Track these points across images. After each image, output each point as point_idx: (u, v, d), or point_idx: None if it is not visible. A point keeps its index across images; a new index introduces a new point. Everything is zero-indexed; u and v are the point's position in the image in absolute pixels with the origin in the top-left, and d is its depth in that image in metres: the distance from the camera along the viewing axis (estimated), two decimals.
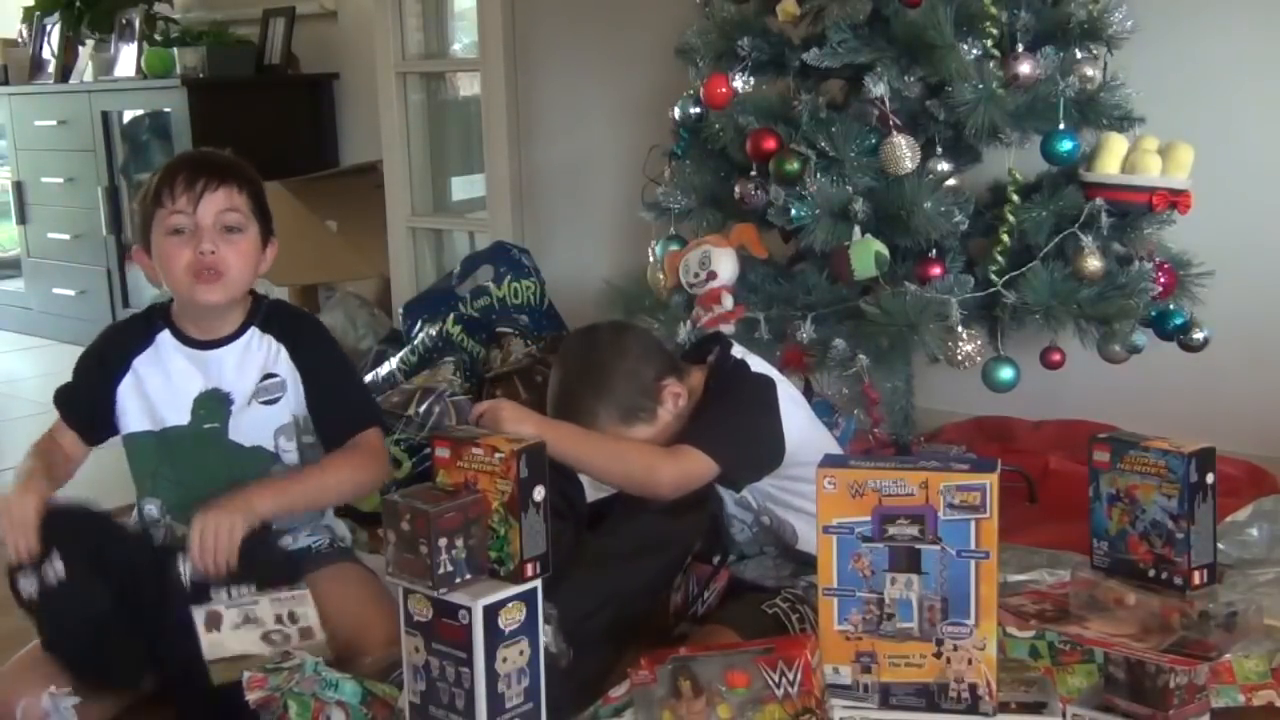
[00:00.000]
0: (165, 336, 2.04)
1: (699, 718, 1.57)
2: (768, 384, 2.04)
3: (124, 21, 4.97)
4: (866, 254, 2.44)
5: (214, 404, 2.02)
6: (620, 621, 1.89)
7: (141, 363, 2.03)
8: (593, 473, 1.96)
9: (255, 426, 2.02)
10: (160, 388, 2.02)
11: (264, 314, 2.07)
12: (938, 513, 1.53)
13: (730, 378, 2.04)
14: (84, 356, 2.09)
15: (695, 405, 2.02)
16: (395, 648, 1.67)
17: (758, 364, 2.08)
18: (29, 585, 1.81)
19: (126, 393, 2.03)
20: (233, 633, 1.80)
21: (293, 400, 2.03)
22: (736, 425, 1.97)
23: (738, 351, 2.09)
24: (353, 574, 2.07)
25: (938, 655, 1.56)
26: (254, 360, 2.02)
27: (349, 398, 2.10)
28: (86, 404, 2.05)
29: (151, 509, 2.04)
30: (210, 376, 2.02)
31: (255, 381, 2.02)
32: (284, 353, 2.04)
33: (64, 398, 2.08)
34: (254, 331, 2.04)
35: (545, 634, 1.67)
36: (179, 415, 2.02)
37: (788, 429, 1.99)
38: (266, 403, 2.03)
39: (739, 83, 2.70)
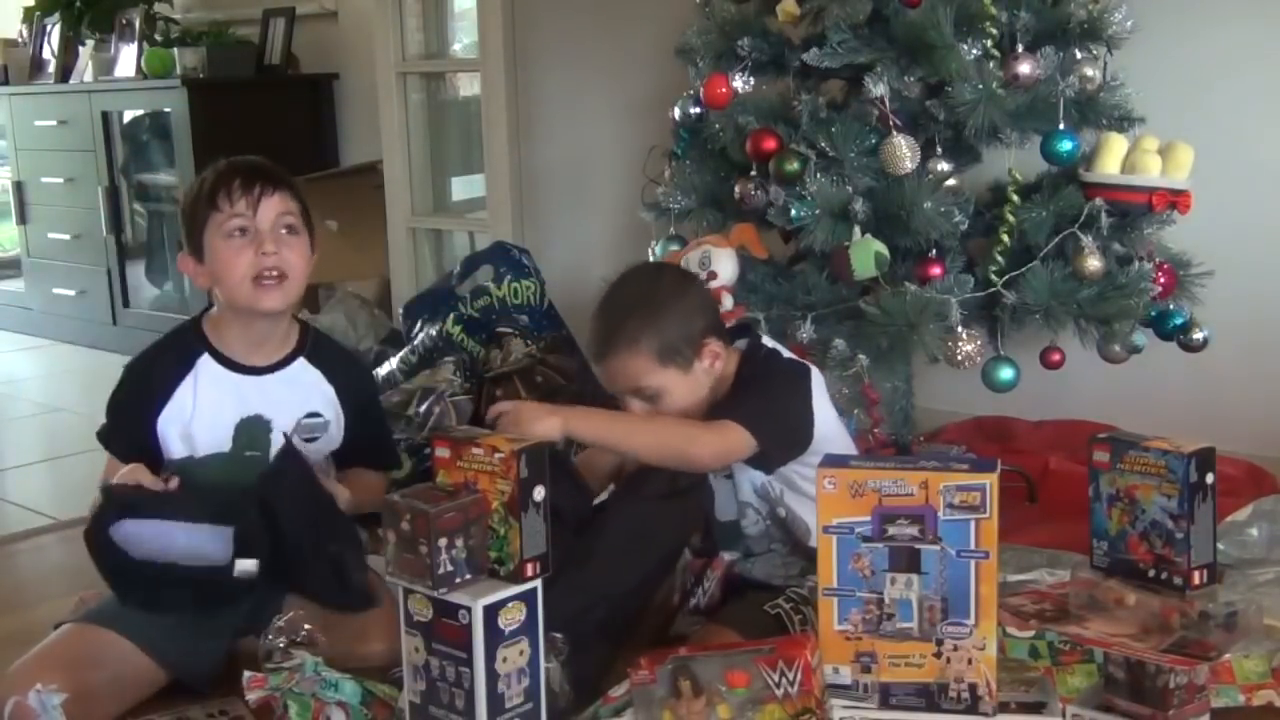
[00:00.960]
0: (206, 361, 1.99)
1: (699, 718, 1.57)
2: (803, 370, 2.06)
3: (124, 21, 4.97)
4: (866, 254, 2.44)
5: (256, 431, 1.99)
6: (614, 618, 1.89)
7: (182, 391, 1.97)
8: (630, 450, 1.94)
9: None
10: (202, 415, 1.98)
11: (311, 344, 2.05)
12: (938, 513, 1.53)
13: (765, 363, 2.06)
14: (122, 392, 2.01)
15: (728, 386, 2.03)
16: (397, 645, 1.67)
17: (786, 354, 2.11)
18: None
19: (167, 422, 1.97)
20: None
21: (332, 441, 2.04)
22: (774, 405, 1.98)
23: (768, 342, 2.11)
24: None
25: (938, 655, 1.56)
26: (300, 393, 1.98)
27: (380, 447, 2.15)
28: (136, 443, 1.97)
29: None
30: (252, 403, 1.99)
31: (298, 416, 2.00)
32: (331, 392, 2.02)
33: (110, 439, 2.02)
34: (302, 363, 2.02)
35: (551, 673, 1.67)
36: (220, 443, 1.99)
37: (817, 417, 2.01)
38: (307, 440, 2.01)
39: (739, 83, 2.70)
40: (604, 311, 2.03)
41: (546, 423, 1.81)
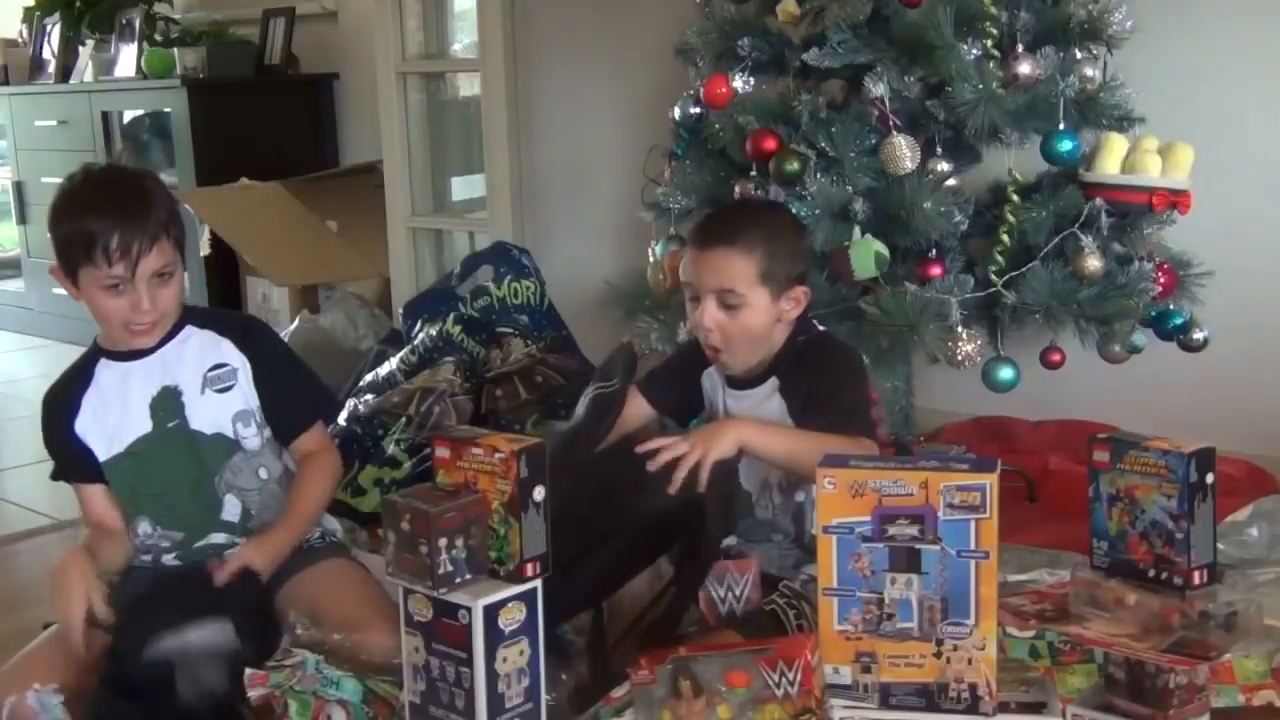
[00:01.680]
0: (102, 364, 2.05)
1: (699, 718, 1.57)
2: (863, 362, 2.12)
3: (124, 21, 4.98)
4: (866, 254, 2.44)
5: (168, 401, 2.03)
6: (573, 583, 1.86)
7: (89, 398, 2.03)
8: (792, 458, 1.92)
9: (213, 415, 2.04)
10: (114, 408, 2.02)
11: (197, 314, 2.10)
12: (938, 513, 1.53)
13: (833, 346, 2.09)
14: (43, 426, 2.08)
15: (781, 343, 2.04)
16: (394, 640, 1.67)
17: None
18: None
19: (85, 431, 2.03)
20: None
21: (246, 388, 2.05)
22: (867, 406, 2.04)
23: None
24: (346, 569, 2.08)
25: (937, 655, 1.56)
26: (195, 350, 2.03)
27: (299, 387, 2.13)
28: (78, 465, 2.04)
29: (145, 526, 2.04)
30: (156, 377, 2.03)
31: (203, 371, 2.03)
32: (228, 344, 2.06)
33: (60, 472, 2.09)
34: (190, 329, 2.06)
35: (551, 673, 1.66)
36: (140, 425, 2.02)
37: None
38: (220, 390, 2.04)
39: (739, 83, 2.71)
40: (730, 212, 2.14)
41: (728, 442, 1.86)
